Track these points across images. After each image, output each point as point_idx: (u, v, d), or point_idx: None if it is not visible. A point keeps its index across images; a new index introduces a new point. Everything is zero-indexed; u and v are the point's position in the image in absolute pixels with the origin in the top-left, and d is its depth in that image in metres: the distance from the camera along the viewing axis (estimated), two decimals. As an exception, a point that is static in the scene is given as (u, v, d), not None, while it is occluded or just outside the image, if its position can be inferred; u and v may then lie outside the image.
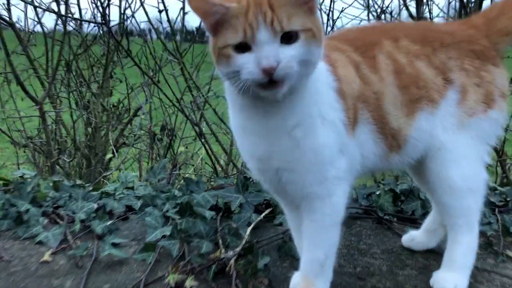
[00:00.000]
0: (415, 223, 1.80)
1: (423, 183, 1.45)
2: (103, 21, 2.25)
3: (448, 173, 1.28)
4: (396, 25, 1.43)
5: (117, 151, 3.56)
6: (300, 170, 1.16)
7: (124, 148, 3.90)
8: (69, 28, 3.29)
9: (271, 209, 1.88)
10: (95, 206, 1.88)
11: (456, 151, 1.27)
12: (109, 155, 3.34)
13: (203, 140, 2.77)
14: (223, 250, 1.53)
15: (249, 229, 1.66)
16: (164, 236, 1.63)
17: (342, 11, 2.77)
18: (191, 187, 1.98)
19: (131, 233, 1.79)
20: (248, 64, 0.99)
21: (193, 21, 4.19)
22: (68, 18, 2.83)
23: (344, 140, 1.18)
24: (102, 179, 3.04)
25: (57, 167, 3.29)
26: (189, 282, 1.38)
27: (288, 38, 0.99)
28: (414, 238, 1.61)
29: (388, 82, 1.24)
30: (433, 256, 1.56)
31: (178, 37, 3.10)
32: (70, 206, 1.91)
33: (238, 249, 1.50)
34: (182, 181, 2.28)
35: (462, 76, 1.27)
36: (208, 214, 1.75)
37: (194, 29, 3.31)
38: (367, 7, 3.53)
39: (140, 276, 1.47)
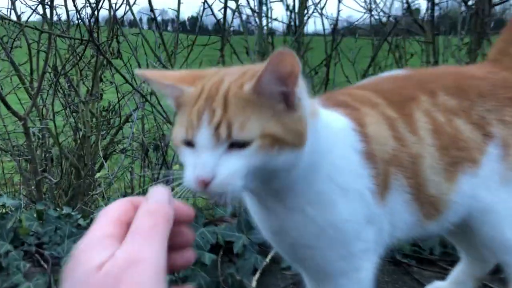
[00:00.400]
0: (435, 265, 1.65)
1: (463, 241, 1.29)
2: (90, 38, 2.05)
3: (504, 236, 1.16)
4: (431, 73, 1.26)
5: (106, 160, 3.37)
6: (320, 246, 1.00)
7: (115, 156, 3.72)
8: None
9: (276, 248, 1.72)
10: (83, 247, 1.70)
11: (506, 211, 1.15)
12: (99, 174, 3.15)
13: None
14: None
15: (254, 279, 1.50)
16: None
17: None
18: (188, 222, 1.81)
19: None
20: (188, 166, 0.82)
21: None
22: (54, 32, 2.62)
23: (372, 209, 1.02)
24: (92, 196, 2.85)
25: (45, 179, 3.11)
26: None
27: (238, 144, 0.80)
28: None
29: (427, 143, 1.07)
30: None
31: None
32: (55, 247, 1.74)
33: (243, 306, 1.35)
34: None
35: (503, 129, 1.13)
36: (208, 258, 1.59)
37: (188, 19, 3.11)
38: (369, 10, 3.37)
39: None
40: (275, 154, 0.82)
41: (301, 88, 0.86)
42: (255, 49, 2.83)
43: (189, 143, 0.81)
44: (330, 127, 0.98)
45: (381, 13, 3.42)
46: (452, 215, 1.13)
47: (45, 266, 1.65)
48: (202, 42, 2.88)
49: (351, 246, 1.01)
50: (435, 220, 1.12)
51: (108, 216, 0.59)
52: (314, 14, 2.89)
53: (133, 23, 3.39)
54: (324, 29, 3.00)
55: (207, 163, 0.78)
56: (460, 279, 1.43)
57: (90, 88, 3.49)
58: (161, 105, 2.53)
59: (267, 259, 1.64)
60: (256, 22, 2.93)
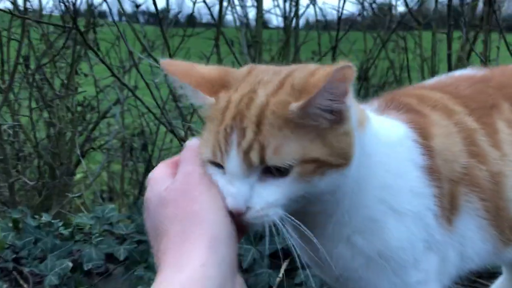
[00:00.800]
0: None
1: None
2: (74, 26, 1.82)
3: None
4: (508, 76, 1.07)
5: (83, 157, 3.13)
6: (370, 277, 0.85)
7: (93, 153, 3.47)
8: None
9: (289, 260, 1.55)
10: (69, 264, 1.49)
11: None
12: (78, 176, 2.91)
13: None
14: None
15: (270, 300, 1.33)
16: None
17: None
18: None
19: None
20: (220, 187, 0.72)
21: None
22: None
23: (435, 235, 0.86)
24: (71, 198, 2.62)
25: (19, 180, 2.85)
26: None
27: (273, 170, 0.69)
28: None
29: (509, 159, 0.92)
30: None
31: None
32: (36, 263, 1.52)
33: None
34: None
35: None
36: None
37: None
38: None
39: None
40: (317, 179, 0.70)
41: (350, 96, 0.72)
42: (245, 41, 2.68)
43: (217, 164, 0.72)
44: (383, 137, 0.83)
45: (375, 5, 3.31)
46: None
47: (25, 286, 1.43)
48: (192, 33, 2.69)
49: (407, 276, 0.86)
50: None
51: (163, 163, 0.79)
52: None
53: (117, 13, 3.15)
54: (317, 24, 2.88)
55: (239, 194, 0.69)
56: None
57: (64, 81, 3.24)
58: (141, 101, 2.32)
59: (280, 274, 1.46)
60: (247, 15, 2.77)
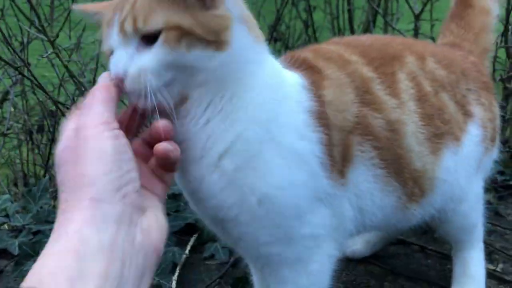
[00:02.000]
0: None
1: None
2: None
3: (467, 221, 1.13)
4: (422, 42, 1.14)
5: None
6: (247, 221, 0.79)
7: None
8: None
9: (196, 235, 1.48)
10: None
11: (475, 197, 1.12)
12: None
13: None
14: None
15: (174, 278, 1.26)
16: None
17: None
18: (87, 217, 1.50)
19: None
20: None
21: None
22: None
23: (324, 185, 0.82)
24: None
25: None
26: None
27: (150, 40, 0.73)
28: (351, 245, 1.37)
29: (409, 109, 0.91)
30: (406, 285, 1.28)
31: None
32: None
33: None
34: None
35: (481, 111, 1.05)
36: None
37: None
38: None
39: None
40: (184, 48, 0.72)
41: None
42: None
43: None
44: (276, 70, 0.82)
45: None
46: (439, 197, 0.99)
47: None
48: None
49: (292, 229, 0.81)
50: (419, 202, 0.96)
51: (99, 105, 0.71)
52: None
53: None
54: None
55: (119, 60, 0.73)
56: (373, 240, 1.38)
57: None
58: (35, 78, 2.12)
59: (187, 250, 1.39)
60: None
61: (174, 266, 1.33)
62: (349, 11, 1.90)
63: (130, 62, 0.72)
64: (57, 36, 2.01)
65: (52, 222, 1.50)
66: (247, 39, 0.77)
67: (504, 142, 2.20)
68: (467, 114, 1.01)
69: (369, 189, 0.88)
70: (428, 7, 2.22)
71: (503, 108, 2.19)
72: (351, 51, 0.92)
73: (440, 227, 1.13)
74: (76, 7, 0.85)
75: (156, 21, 0.71)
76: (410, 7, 2.08)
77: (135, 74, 0.72)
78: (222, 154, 0.75)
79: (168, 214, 1.45)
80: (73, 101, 2.18)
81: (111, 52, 0.75)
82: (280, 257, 0.83)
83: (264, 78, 0.79)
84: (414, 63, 0.96)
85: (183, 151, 0.75)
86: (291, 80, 0.83)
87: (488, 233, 1.51)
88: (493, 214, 1.65)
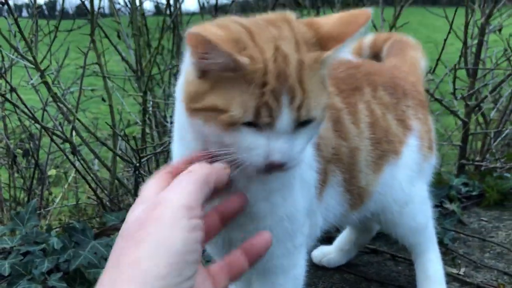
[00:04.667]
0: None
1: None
2: None
3: (414, 223, 1.24)
4: (374, 66, 1.24)
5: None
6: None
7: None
8: None
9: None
10: None
11: (419, 199, 1.23)
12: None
13: (76, 160, 2.28)
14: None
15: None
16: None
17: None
18: (75, 237, 1.56)
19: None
20: (252, 150, 0.73)
21: None
22: None
23: (312, 203, 0.98)
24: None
25: None
26: None
27: (306, 121, 0.76)
28: (326, 255, 1.50)
29: (364, 136, 1.07)
30: None
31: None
32: None
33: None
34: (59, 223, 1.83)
35: (418, 124, 1.20)
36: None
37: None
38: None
39: None
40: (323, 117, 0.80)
41: None
42: (128, 31, 2.60)
43: (251, 124, 0.72)
44: None
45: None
46: (372, 204, 1.15)
47: None
48: (66, 27, 2.55)
49: (296, 239, 0.94)
50: (358, 209, 1.13)
51: (150, 183, 0.70)
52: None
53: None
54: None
55: (286, 148, 0.73)
56: (346, 247, 1.50)
57: None
58: (24, 104, 2.18)
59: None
60: (127, 3, 2.67)
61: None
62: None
63: (294, 148, 0.74)
64: (42, 61, 2.09)
65: (42, 243, 1.57)
66: None
67: (467, 155, 2.36)
68: (407, 128, 1.17)
69: (332, 203, 1.06)
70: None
71: (465, 124, 2.35)
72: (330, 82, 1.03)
73: (394, 232, 1.25)
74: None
75: (322, 103, 0.76)
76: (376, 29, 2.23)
77: (297, 158, 0.75)
78: (275, 190, 0.87)
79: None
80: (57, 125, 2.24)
81: (243, 123, 0.72)
82: (281, 267, 0.95)
83: None
84: (370, 93, 1.12)
85: None
86: None
87: (452, 240, 1.64)
88: (457, 223, 1.78)
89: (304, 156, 0.79)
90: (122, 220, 1.78)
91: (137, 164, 2.00)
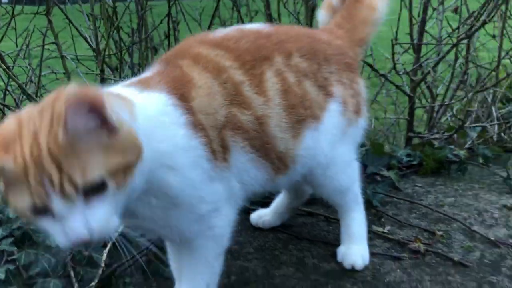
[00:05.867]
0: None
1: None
2: None
3: (337, 183, 1.35)
4: (290, 33, 1.27)
5: None
6: (173, 222, 1.05)
7: None
8: None
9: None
10: None
11: (342, 162, 1.33)
12: None
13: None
14: (76, 286, 1.30)
15: (105, 252, 1.44)
16: (-1, 281, 1.34)
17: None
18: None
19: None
20: (58, 235, 0.82)
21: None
22: None
23: (214, 172, 1.06)
24: None
25: None
26: None
27: (93, 188, 0.80)
28: (262, 217, 1.62)
29: (274, 103, 1.13)
30: (306, 247, 1.52)
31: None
32: None
33: (94, 283, 1.29)
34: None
35: (342, 89, 1.26)
36: (53, 240, 1.48)
37: None
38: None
39: None
40: (130, 179, 0.84)
41: (112, 104, 0.82)
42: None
43: (41, 210, 0.80)
44: (147, 114, 0.97)
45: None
46: (299, 168, 1.23)
47: None
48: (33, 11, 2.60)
49: (199, 209, 1.05)
50: (285, 174, 1.20)
51: None
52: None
53: None
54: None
55: (76, 224, 0.79)
56: (280, 211, 1.62)
57: None
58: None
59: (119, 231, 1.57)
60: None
61: (105, 243, 1.49)
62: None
63: (88, 221, 0.79)
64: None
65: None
66: (138, 128, 0.90)
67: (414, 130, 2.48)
68: (328, 94, 1.23)
69: (245, 168, 1.13)
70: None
71: (410, 98, 2.47)
72: (227, 57, 1.12)
73: (319, 192, 1.38)
74: None
75: (95, 171, 0.79)
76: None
77: (102, 229, 0.81)
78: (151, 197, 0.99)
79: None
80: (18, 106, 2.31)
81: (37, 212, 0.80)
82: (196, 233, 1.08)
83: (149, 134, 0.93)
84: (281, 61, 1.17)
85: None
86: (158, 105, 1.00)
87: (384, 203, 1.77)
88: (392, 189, 1.91)
89: (112, 224, 0.84)
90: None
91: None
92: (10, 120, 0.84)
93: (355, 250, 1.41)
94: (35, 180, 0.78)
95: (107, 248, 1.46)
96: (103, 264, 1.36)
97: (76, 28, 2.59)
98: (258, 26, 1.28)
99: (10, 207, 0.85)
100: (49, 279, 1.32)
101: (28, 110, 0.85)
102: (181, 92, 1.03)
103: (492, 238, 1.53)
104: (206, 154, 1.03)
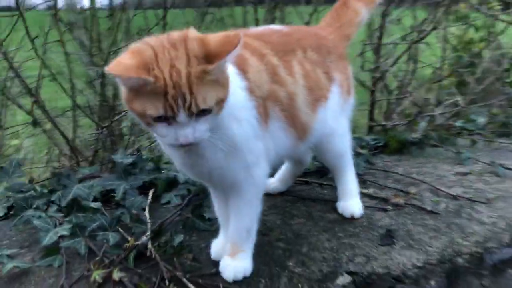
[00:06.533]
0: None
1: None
2: None
3: (337, 149, 1.68)
4: (303, 33, 1.63)
5: None
6: (227, 165, 1.31)
7: None
8: None
9: (153, 189, 1.91)
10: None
11: (341, 132, 1.66)
12: None
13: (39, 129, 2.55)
14: (131, 238, 1.54)
15: (146, 212, 1.68)
16: (61, 237, 1.55)
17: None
18: (63, 181, 1.87)
19: (13, 242, 1.64)
20: (167, 136, 1.12)
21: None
22: None
23: (259, 131, 1.35)
24: None
25: None
26: (116, 274, 1.37)
27: (204, 111, 1.10)
28: (270, 184, 1.93)
29: (300, 84, 1.46)
30: (311, 204, 1.84)
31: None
32: None
33: (148, 233, 1.53)
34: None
35: (339, 75, 1.61)
36: (96, 206, 1.71)
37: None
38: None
39: (53, 282, 1.40)
40: (222, 109, 1.15)
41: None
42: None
43: (163, 118, 1.09)
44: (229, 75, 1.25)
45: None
46: (314, 137, 1.56)
47: None
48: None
49: (246, 159, 1.34)
50: (304, 141, 1.53)
51: None
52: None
53: None
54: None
55: (189, 133, 1.11)
56: (285, 178, 1.95)
57: None
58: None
59: (149, 197, 1.82)
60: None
61: (143, 209, 1.74)
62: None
63: (195, 132, 1.11)
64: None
65: (27, 191, 1.84)
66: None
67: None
68: (331, 79, 1.58)
69: (278, 133, 1.43)
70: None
71: (372, 92, 2.89)
72: (265, 46, 1.44)
73: (323, 157, 1.75)
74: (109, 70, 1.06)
75: (211, 100, 1.10)
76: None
77: (201, 136, 1.13)
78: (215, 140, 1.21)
79: (131, 174, 1.88)
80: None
81: (158, 119, 1.09)
82: (242, 179, 1.35)
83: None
84: (301, 54, 1.52)
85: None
86: (231, 71, 1.24)
87: (365, 173, 2.14)
88: (367, 163, 2.28)
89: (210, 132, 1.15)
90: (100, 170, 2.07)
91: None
92: (143, 46, 1.11)
93: (352, 203, 1.76)
94: (172, 97, 1.06)
95: (147, 209, 1.71)
96: (149, 221, 1.60)
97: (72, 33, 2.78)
98: (279, 27, 1.66)
99: (132, 110, 1.12)
100: (107, 233, 1.56)
101: (156, 40, 1.12)
102: (241, 67, 1.32)
103: (454, 194, 1.93)
104: (257, 116, 1.33)
